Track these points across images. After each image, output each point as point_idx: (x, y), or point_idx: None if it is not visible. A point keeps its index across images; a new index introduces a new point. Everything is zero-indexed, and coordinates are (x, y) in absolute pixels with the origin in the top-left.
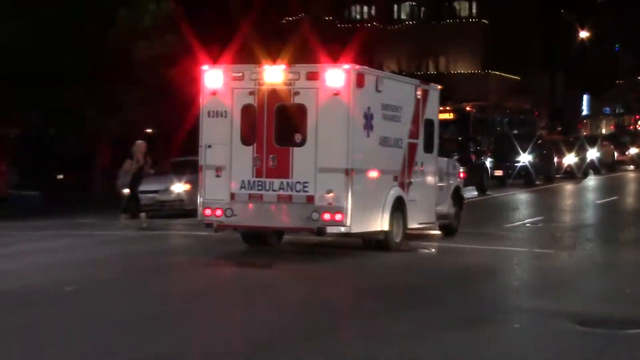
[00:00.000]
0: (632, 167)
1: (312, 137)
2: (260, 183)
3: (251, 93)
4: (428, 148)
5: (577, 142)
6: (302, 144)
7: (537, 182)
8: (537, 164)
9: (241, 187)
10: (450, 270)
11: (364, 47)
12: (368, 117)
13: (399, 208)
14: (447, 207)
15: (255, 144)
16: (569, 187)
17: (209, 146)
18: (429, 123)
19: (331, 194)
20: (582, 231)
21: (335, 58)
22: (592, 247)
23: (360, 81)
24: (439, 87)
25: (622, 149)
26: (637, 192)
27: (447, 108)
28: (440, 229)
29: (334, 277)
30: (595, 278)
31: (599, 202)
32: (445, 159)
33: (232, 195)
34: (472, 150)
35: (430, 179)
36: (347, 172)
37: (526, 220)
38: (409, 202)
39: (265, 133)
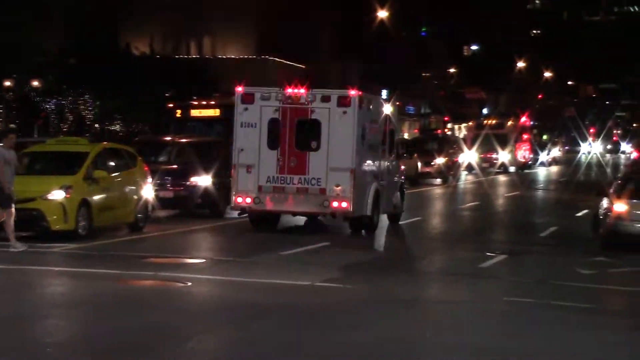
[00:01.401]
0: (438, 180)
1: (324, 144)
2: (282, 178)
3: (276, 110)
4: (390, 152)
5: None
6: (316, 149)
7: None
8: None
9: (267, 181)
10: (209, 307)
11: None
12: (363, 130)
13: (377, 199)
14: (396, 199)
15: (279, 149)
16: None
17: (242, 149)
18: (392, 132)
19: (339, 187)
20: (377, 260)
21: None
22: (388, 280)
23: (361, 104)
24: (398, 103)
25: (427, 158)
26: (444, 212)
27: (212, 102)
28: (389, 218)
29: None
30: (390, 317)
31: (402, 222)
32: (395, 160)
33: (260, 188)
34: None
35: (391, 177)
36: (352, 171)
37: (308, 247)
38: (381, 194)
39: (287, 140)
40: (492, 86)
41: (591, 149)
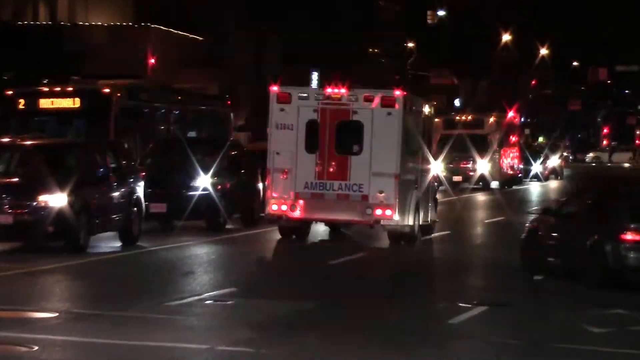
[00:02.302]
0: None
1: (367, 148)
2: (322, 184)
3: (315, 110)
4: (428, 157)
5: None
6: (358, 153)
7: (230, 226)
8: (230, 192)
9: (305, 187)
10: None
11: None
12: (407, 132)
13: (417, 208)
14: (431, 209)
15: (317, 152)
16: None
17: (277, 153)
18: (429, 135)
19: (383, 194)
20: (304, 313)
21: None
22: (318, 341)
23: (405, 104)
24: (434, 103)
25: None
26: (401, 245)
27: (69, 89)
28: (421, 229)
29: None
30: None
31: (335, 262)
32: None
33: (297, 194)
34: (114, 165)
35: (428, 184)
36: (396, 176)
37: (206, 294)
38: (420, 202)
39: (327, 143)
40: (467, 68)
41: (603, 155)
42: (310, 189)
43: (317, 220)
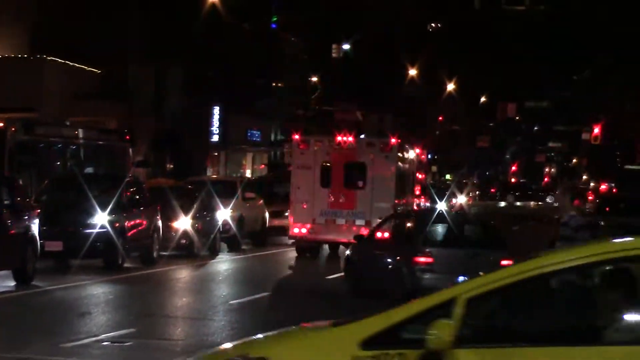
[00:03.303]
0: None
1: (369, 183)
2: (333, 212)
3: (328, 154)
4: (412, 192)
5: (200, 192)
6: (363, 187)
7: (128, 264)
8: (128, 230)
9: (320, 214)
10: None
11: None
12: (399, 171)
13: None
14: None
15: (330, 187)
16: (185, 274)
17: (298, 187)
18: (414, 174)
19: (381, 220)
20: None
21: None
22: None
23: (399, 149)
24: (417, 150)
25: (278, 205)
26: (302, 286)
27: None
28: None
29: None
30: None
31: (235, 302)
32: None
33: (313, 220)
34: (8, 202)
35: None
36: (393, 206)
37: (103, 335)
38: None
39: (337, 180)
40: (372, 103)
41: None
42: (324, 216)
43: (329, 242)
